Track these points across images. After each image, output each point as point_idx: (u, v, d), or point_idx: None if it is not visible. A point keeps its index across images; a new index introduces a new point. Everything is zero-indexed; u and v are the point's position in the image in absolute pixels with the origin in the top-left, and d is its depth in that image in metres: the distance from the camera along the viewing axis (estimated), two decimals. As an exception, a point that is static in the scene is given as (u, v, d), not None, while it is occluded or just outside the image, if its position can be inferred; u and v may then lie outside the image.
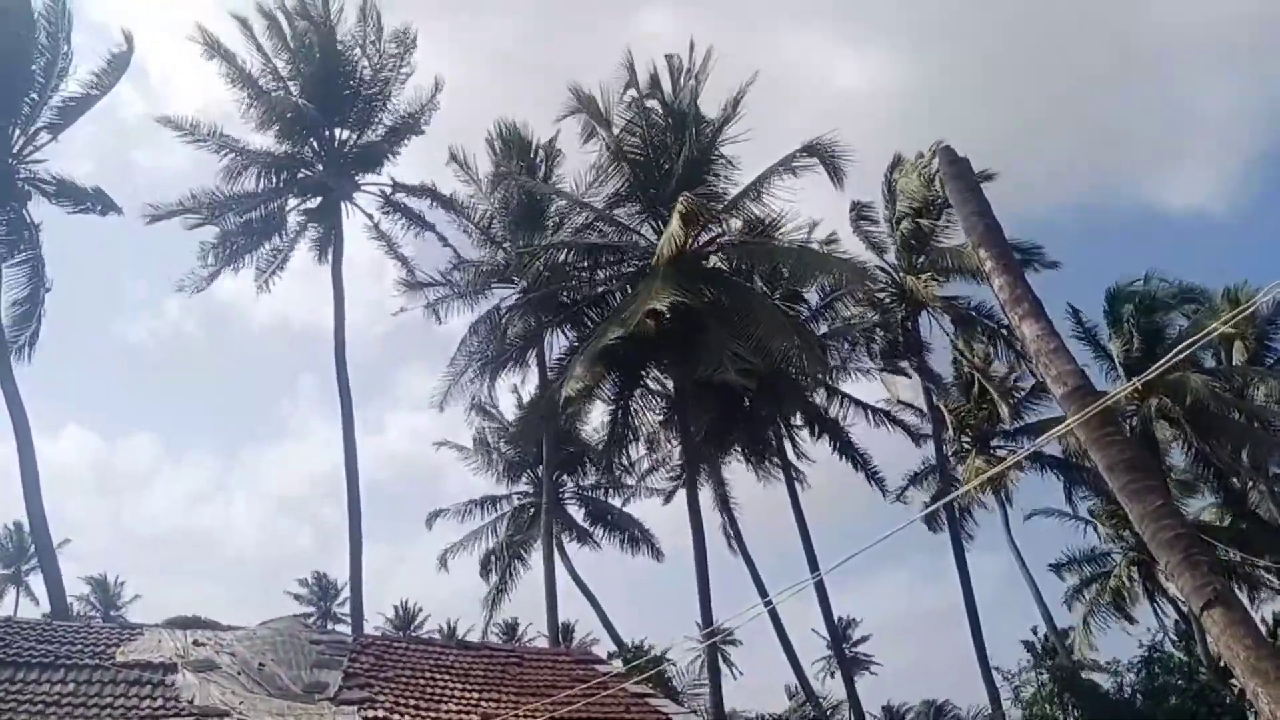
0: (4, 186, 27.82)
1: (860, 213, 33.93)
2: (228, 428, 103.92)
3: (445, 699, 14.64)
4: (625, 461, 34.21)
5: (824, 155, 27.43)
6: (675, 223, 25.22)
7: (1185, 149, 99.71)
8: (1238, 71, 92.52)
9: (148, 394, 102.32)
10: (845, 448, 32.76)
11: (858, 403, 32.97)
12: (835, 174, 27.80)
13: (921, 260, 33.09)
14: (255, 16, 29.90)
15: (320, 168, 30.85)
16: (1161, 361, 10.30)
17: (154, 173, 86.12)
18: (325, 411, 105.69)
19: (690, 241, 26.62)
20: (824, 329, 32.19)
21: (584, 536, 38.22)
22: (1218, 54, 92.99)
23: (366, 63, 30.78)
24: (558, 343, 31.31)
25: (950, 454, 37.78)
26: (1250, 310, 30.48)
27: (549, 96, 29.02)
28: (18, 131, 28.13)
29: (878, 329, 33.64)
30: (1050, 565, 38.39)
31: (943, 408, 36.29)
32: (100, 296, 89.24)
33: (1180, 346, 17.83)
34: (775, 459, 32.56)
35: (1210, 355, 35.05)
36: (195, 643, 15.15)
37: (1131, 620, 35.90)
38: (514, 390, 34.94)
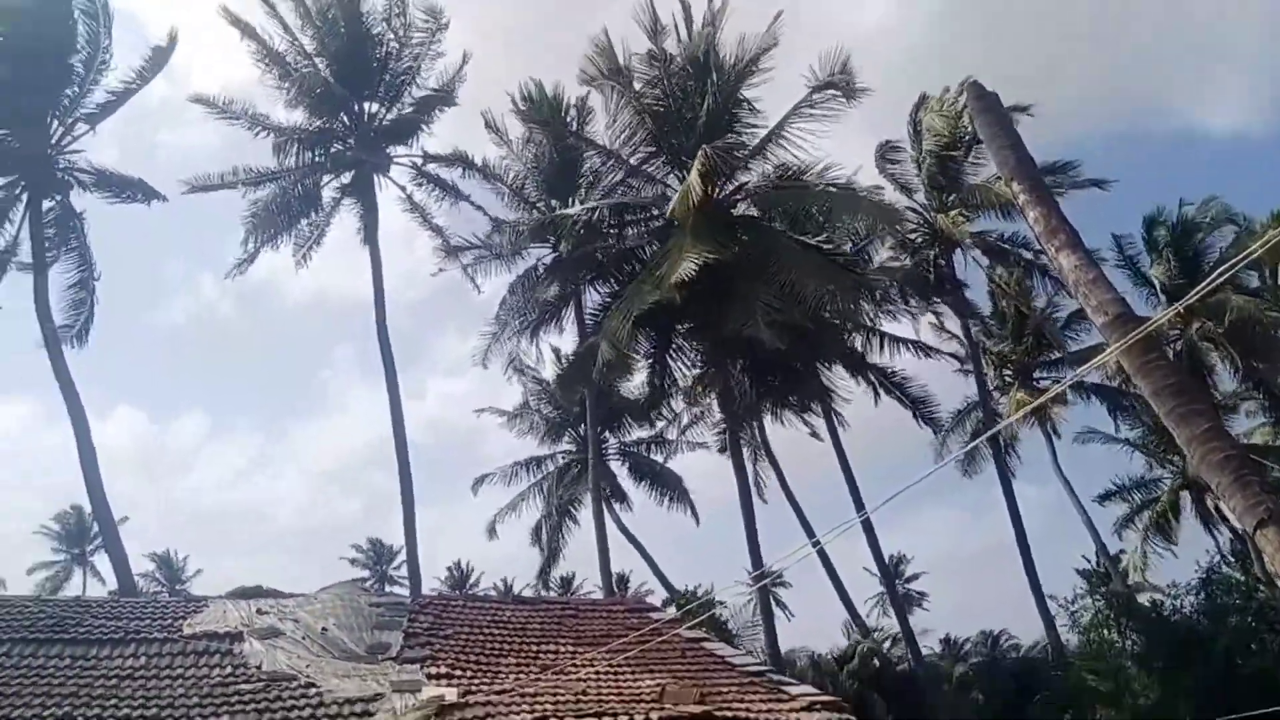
0: (46, 178, 28.32)
1: (886, 154, 33.58)
2: (270, 402, 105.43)
3: (505, 653, 14.89)
4: (666, 415, 34.49)
5: (841, 84, 26.61)
6: (694, 178, 24.99)
7: (1222, 70, 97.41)
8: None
9: (191, 373, 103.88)
10: (893, 386, 32.67)
11: (899, 339, 32.87)
12: (852, 98, 26.80)
13: (951, 198, 32.79)
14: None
15: (351, 142, 30.97)
16: (1200, 286, 10.16)
17: (178, 153, 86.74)
18: (365, 381, 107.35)
19: (713, 192, 26.44)
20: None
21: (621, 496, 38.09)
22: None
23: (393, 36, 30.76)
24: (592, 299, 31.75)
25: (993, 388, 37.61)
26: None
27: (576, 57, 28.50)
28: (56, 123, 28.55)
29: (912, 268, 33.41)
30: (1097, 496, 38.14)
31: (982, 348, 36.08)
32: (137, 280, 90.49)
33: (1220, 270, 17.53)
34: (814, 403, 32.53)
35: (1255, 276, 34.51)
36: (259, 611, 15.51)
37: (1174, 543, 35.61)
38: (553, 350, 35.18)
